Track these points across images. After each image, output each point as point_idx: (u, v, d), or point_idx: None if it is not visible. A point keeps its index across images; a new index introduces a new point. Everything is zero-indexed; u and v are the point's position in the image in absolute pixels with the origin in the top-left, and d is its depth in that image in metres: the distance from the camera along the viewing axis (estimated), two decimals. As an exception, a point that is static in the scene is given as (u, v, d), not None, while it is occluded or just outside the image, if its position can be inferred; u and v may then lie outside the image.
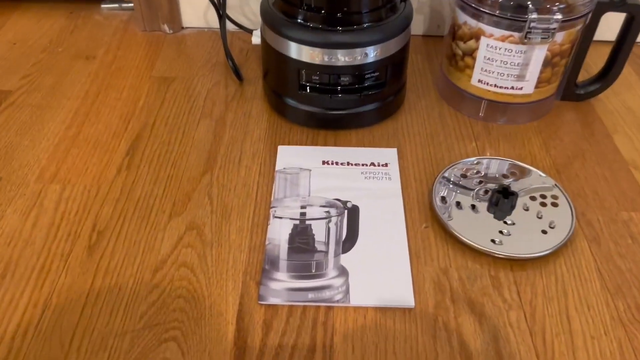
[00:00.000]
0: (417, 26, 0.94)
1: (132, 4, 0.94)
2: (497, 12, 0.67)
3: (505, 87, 0.73)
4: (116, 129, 0.74)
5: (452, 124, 0.76)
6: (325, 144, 0.73)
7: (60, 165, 0.68)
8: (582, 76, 0.81)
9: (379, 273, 0.56)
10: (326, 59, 0.69)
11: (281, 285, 0.55)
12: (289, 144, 0.73)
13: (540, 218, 0.61)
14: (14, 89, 0.80)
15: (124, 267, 0.56)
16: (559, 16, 0.64)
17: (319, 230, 0.60)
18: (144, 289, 0.54)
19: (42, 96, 0.79)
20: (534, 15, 0.64)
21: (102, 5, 0.99)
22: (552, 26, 0.65)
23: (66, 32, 0.93)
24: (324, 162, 0.69)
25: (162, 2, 0.91)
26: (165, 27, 0.93)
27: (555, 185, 0.65)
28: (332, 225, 0.61)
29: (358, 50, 0.69)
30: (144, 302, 0.53)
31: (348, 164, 0.69)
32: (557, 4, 0.67)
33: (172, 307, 0.53)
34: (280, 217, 0.62)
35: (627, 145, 0.73)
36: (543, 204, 0.63)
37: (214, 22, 0.94)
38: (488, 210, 0.63)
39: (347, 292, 0.54)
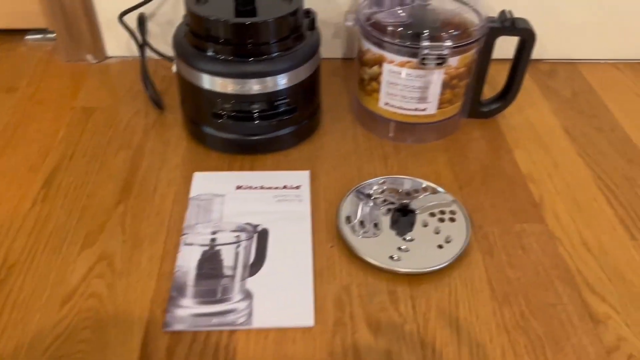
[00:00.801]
0: (336, 49, 0.97)
1: (55, 34, 0.95)
2: (397, 40, 0.71)
3: (409, 109, 0.77)
4: (34, 161, 0.75)
5: (364, 145, 0.80)
6: (241, 169, 0.75)
7: (-27, 201, 0.69)
8: (490, 93, 0.87)
9: (282, 294, 0.59)
10: (238, 88, 0.72)
11: (187, 312, 0.57)
12: (206, 170, 0.75)
13: (437, 233, 0.65)
14: None
15: (32, 300, 0.58)
16: (449, 43, 0.69)
17: (228, 255, 0.63)
18: (50, 322, 0.56)
19: (-41, 131, 0.79)
20: (426, 43, 0.69)
21: (26, 37, 0.99)
22: (444, 52, 0.69)
23: (-12, 64, 0.94)
24: (238, 187, 0.72)
25: (84, 32, 0.92)
26: (89, 57, 0.95)
27: (454, 201, 0.69)
28: (240, 250, 0.64)
29: (269, 78, 0.72)
30: (50, 334, 0.55)
31: (262, 187, 0.72)
32: (451, 30, 0.71)
33: (78, 338, 0.55)
34: (191, 244, 0.64)
35: (525, 159, 0.78)
36: (441, 220, 0.67)
37: (137, 49, 0.95)
38: (390, 227, 0.66)
39: (250, 314, 0.57)
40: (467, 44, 0.72)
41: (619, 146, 0.81)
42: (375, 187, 0.71)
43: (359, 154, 0.78)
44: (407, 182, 0.72)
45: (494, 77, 0.92)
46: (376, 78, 0.76)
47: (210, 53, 0.71)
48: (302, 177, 0.74)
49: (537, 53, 0.98)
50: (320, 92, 0.82)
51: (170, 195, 0.71)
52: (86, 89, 0.89)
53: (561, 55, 0.99)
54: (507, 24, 0.75)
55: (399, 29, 0.71)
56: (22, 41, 1.00)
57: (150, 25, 0.92)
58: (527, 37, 0.76)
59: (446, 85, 0.74)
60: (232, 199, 0.70)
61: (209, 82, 0.72)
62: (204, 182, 0.72)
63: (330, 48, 0.96)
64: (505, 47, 0.78)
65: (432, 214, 0.68)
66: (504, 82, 0.84)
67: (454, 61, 0.72)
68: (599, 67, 0.99)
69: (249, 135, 0.77)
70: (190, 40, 0.73)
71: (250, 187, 0.72)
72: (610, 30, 0.97)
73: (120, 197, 0.70)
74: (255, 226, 0.66)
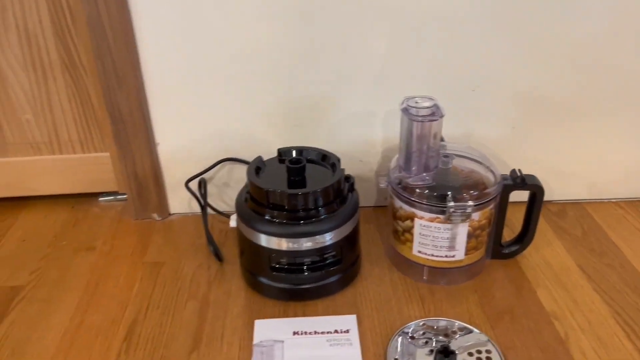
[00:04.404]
0: (369, 199, 1.11)
1: (125, 195, 1.10)
2: (425, 201, 0.84)
3: (440, 256, 0.88)
4: (114, 315, 0.85)
5: (401, 288, 0.90)
6: (295, 315, 0.85)
7: (66, 355, 0.78)
8: (508, 233, 0.98)
9: None
10: (292, 245, 0.84)
11: None
12: (264, 317, 0.85)
13: (477, 373, 0.73)
14: (24, 284, 0.92)
15: None
16: (471, 203, 0.82)
17: (292, 399, 0.71)
18: None
19: (48, 290, 0.91)
20: (452, 204, 0.82)
21: (100, 199, 1.15)
22: (467, 210, 0.82)
23: (69, 226, 1.08)
24: (294, 333, 0.81)
25: (152, 194, 1.07)
26: (155, 215, 1.09)
27: (489, 340, 0.78)
28: (303, 394, 0.72)
29: (318, 236, 0.84)
30: None
31: (315, 332, 0.81)
32: (471, 191, 0.84)
33: None
34: (259, 390, 0.72)
35: (547, 298, 0.87)
36: (479, 359, 0.75)
37: (197, 207, 1.10)
38: (434, 368, 0.74)
39: None
40: (486, 201, 0.84)
41: (630, 282, 0.90)
42: (417, 330, 0.80)
43: (397, 297, 0.88)
44: (445, 323, 0.81)
45: (511, 220, 1.04)
46: (409, 230, 0.88)
47: (267, 217, 0.84)
48: (350, 322, 0.83)
49: (546, 195, 1.10)
50: (360, 242, 0.94)
51: (236, 342, 0.80)
52: (153, 245, 1.02)
53: (568, 197, 1.12)
54: (518, 181, 0.88)
55: (426, 192, 0.85)
56: (96, 202, 1.15)
57: (209, 187, 1.07)
58: (537, 191, 0.89)
59: (471, 235, 0.86)
60: (291, 345, 0.79)
61: (266, 240, 0.85)
62: (264, 329, 0.82)
63: (363, 199, 1.10)
64: (520, 192, 0.90)
65: (470, 354, 0.76)
66: (519, 222, 0.95)
67: (476, 215, 0.85)
68: (603, 206, 1.11)
69: (300, 284, 0.88)
70: (251, 205, 0.87)
71: (306, 333, 0.81)
72: (608, 173, 1.10)
73: (192, 346, 0.79)
74: (314, 370, 0.75)
